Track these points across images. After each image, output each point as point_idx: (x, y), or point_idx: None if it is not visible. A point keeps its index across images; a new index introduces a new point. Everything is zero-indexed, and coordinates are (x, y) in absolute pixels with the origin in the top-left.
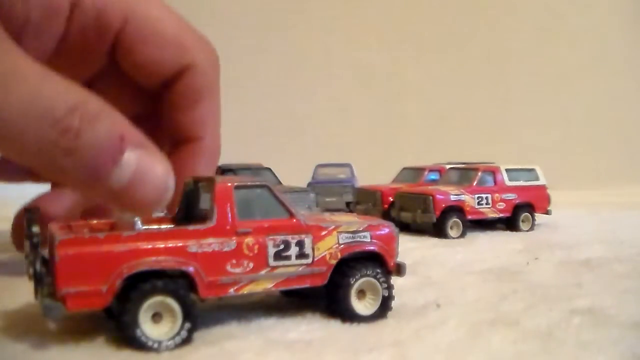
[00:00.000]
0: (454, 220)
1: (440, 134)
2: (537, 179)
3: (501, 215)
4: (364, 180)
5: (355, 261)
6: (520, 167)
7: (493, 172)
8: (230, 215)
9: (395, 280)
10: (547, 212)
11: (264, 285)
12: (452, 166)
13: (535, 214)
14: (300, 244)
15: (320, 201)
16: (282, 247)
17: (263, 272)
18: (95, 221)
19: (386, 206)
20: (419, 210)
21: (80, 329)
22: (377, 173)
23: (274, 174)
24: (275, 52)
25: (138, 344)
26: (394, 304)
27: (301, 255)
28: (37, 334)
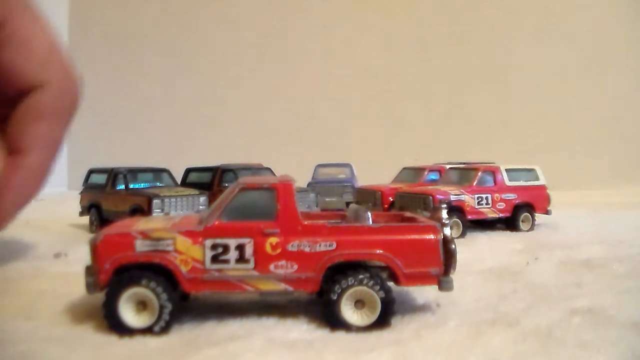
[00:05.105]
0: (454, 220)
1: (440, 134)
2: (537, 179)
3: (501, 215)
4: (364, 180)
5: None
6: (520, 167)
7: (493, 172)
8: None
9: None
10: (547, 212)
11: None
12: (452, 166)
13: (535, 214)
14: None
15: (320, 201)
16: None
17: None
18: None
19: (386, 206)
20: (419, 210)
21: (80, 322)
22: (377, 173)
23: (274, 174)
24: (275, 53)
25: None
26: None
27: None
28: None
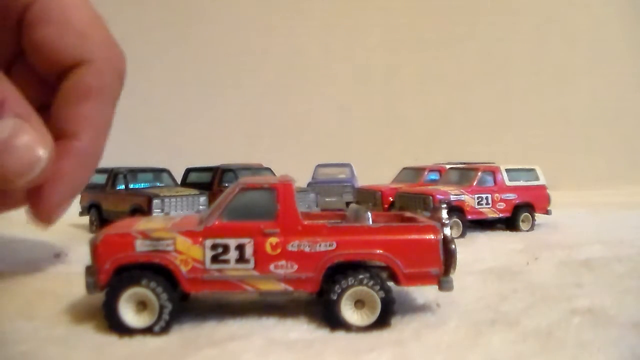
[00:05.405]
0: (454, 220)
1: (440, 134)
2: (537, 179)
3: (501, 215)
4: (364, 180)
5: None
6: (520, 167)
7: (493, 172)
8: None
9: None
10: (547, 212)
11: None
12: (452, 166)
13: (535, 214)
14: None
15: (320, 201)
16: None
17: None
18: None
19: (386, 206)
20: (419, 210)
21: (79, 321)
22: (377, 173)
23: (273, 174)
24: (275, 52)
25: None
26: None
27: None
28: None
